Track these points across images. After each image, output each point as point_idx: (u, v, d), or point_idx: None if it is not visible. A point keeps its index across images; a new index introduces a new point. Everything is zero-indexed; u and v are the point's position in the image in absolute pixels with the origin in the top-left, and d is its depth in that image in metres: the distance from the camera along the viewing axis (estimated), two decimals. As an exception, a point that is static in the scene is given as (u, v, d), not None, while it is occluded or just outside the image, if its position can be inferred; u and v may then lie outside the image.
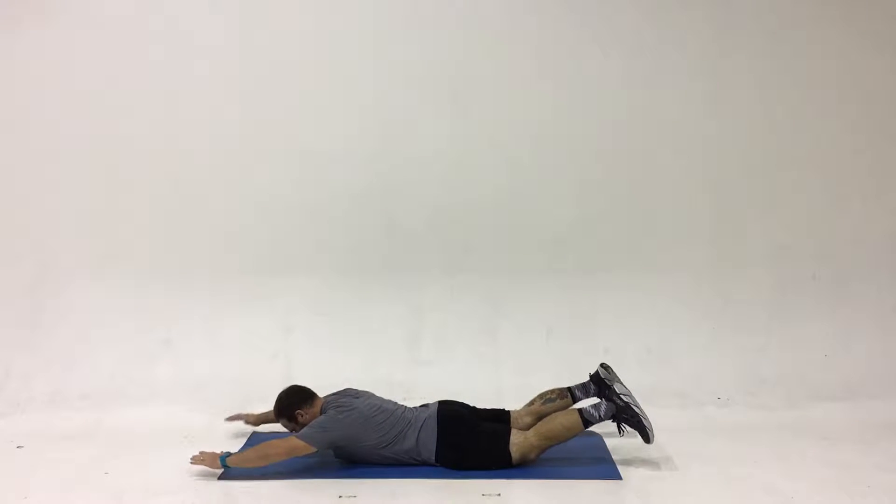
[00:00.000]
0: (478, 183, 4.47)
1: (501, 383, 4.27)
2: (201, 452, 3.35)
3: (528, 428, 3.48)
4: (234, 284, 4.42)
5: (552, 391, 3.70)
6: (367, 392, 3.65)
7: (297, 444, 3.30)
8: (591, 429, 3.74)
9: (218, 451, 3.34)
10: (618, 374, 3.65)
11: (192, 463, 3.32)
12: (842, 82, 4.48)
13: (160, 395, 4.19)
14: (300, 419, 3.50)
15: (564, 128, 4.48)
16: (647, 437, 3.44)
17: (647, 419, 3.45)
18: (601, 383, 3.64)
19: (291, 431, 3.55)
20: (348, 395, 3.58)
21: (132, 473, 3.40)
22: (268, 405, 3.62)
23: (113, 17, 4.36)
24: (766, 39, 4.45)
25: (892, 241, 4.52)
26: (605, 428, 3.80)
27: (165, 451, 3.64)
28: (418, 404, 3.69)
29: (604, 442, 3.73)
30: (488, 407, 3.70)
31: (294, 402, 3.53)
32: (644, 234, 4.50)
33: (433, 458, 3.40)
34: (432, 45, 4.44)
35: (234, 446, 3.66)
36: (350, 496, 3.13)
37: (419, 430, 3.42)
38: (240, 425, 3.91)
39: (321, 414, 3.47)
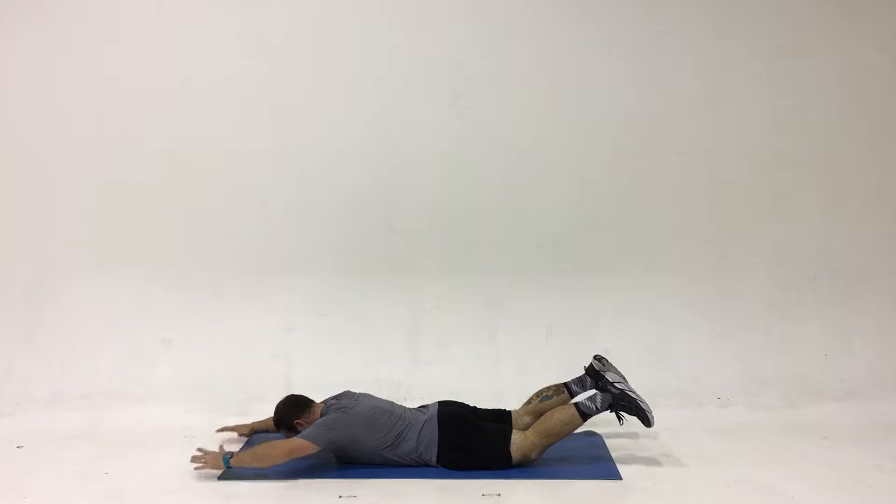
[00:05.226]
0: (478, 183, 4.47)
1: (501, 383, 4.27)
2: (203, 452, 3.34)
3: (527, 427, 3.48)
4: (234, 284, 4.42)
5: (548, 388, 3.69)
6: (366, 394, 3.65)
7: (300, 444, 3.29)
8: (591, 428, 3.75)
9: (219, 452, 3.34)
10: (613, 365, 3.65)
11: (192, 462, 3.31)
12: (842, 82, 4.48)
13: (160, 395, 4.19)
14: (300, 429, 3.48)
15: (564, 128, 4.48)
16: (647, 421, 3.44)
17: (644, 402, 3.45)
18: (596, 375, 3.63)
19: None
20: (347, 397, 3.57)
21: (132, 473, 3.40)
22: (268, 405, 3.61)
23: (113, 17, 4.36)
24: (766, 39, 4.46)
25: (892, 242, 4.52)
26: (606, 428, 3.81)
27: (165, 451, 3.65)
28: (417, 405, 3.69)
29: (604, 442, 3.74)
30: (489, 407, 3.70)
31: (292, 413, 3.52)
32: (644, 235, 4.50)
33: (434, 459, 3.40)
34: (432, 45, 4.44)
35: (235, 446, 3.67)
36: (350, 496, 3.13)
37: (419, 432, 3.41)
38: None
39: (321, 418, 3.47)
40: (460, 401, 3.66)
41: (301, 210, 4.45)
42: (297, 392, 3.67)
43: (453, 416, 3.47)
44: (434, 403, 3.59)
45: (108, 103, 4.38)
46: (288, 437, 3.49)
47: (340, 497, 3.13)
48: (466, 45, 4.44)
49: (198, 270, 4.42)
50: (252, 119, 4.42)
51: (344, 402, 3.48)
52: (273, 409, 3.59)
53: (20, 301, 4.37)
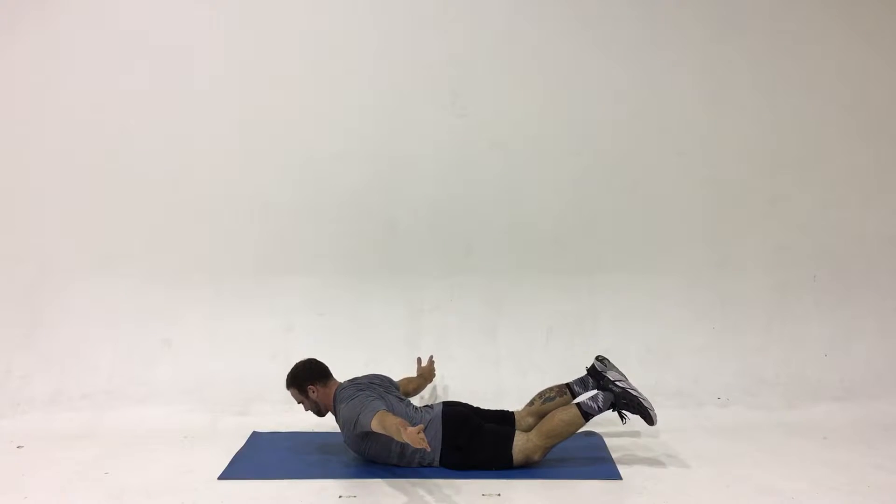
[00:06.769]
0: (478, 183, 4.47)
1: (501, 383, 4.27)
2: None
3: (530, 429, 3.48)
4: (234, 284, 4.42)
5: (551, 389, 3.70)
6: (386, 378, 3.69)
7: (381, 412, 3.20)
8: (592, 428, 3.75)
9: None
10: (615, 364, 3.65)
11: (423, 445, 2.97)
12: (842, 82, 4.48)
13: (160, 395, 4.19)
14: (311, 394, 3.51)
15: (564, 128, 4.48)
16: (649, 419, 3.44)
17: (646, 400, 3.45)
18: (598, 376, 3.64)
19: (298, 403, 3.58)
20: (364, 380, 3.59)
21: (132, 473, 3.40)
22: (268, 405, 3.62)
23: (113, 18, 4.36)
24: (766, 39, 4.46)
25: (892, 241, 4.52)
26: (606, 428, 3.82)
27: (165, 451, 3.66)
28: (421, 406, 3.69)
29: (604, 442, 3.74)
30: (492, 408, 3.70)
31: (311, 376, 3.54)
32: (644, 235, 4.49)
33: (438, 459, 3.40)
34: (432, 45, 4.44)
35: (235, 446, 3.69)
36: (350, 496, 3.13)
37: (424, 432, 3.40)
38: (239, 425, 3.92)
39: (334, 399, 3.49)
40: (464, 402, 3.66)
41: (301, 210, 4.44)
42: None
43: (457, 416, 3.47)
44: (439, 404, 3.60)
45: (108, 103, 4.38)
46: (296, 398, 3.54)
47: (340, 497, 3.13)
48: (466, 45, 4.44)
49: (198, 270, 4.41)
50: (252, 119, 4.42)
51: (363, 383, 3.52)
52: (272, 408, 3.58)
53: (20, 301, 4.37)
